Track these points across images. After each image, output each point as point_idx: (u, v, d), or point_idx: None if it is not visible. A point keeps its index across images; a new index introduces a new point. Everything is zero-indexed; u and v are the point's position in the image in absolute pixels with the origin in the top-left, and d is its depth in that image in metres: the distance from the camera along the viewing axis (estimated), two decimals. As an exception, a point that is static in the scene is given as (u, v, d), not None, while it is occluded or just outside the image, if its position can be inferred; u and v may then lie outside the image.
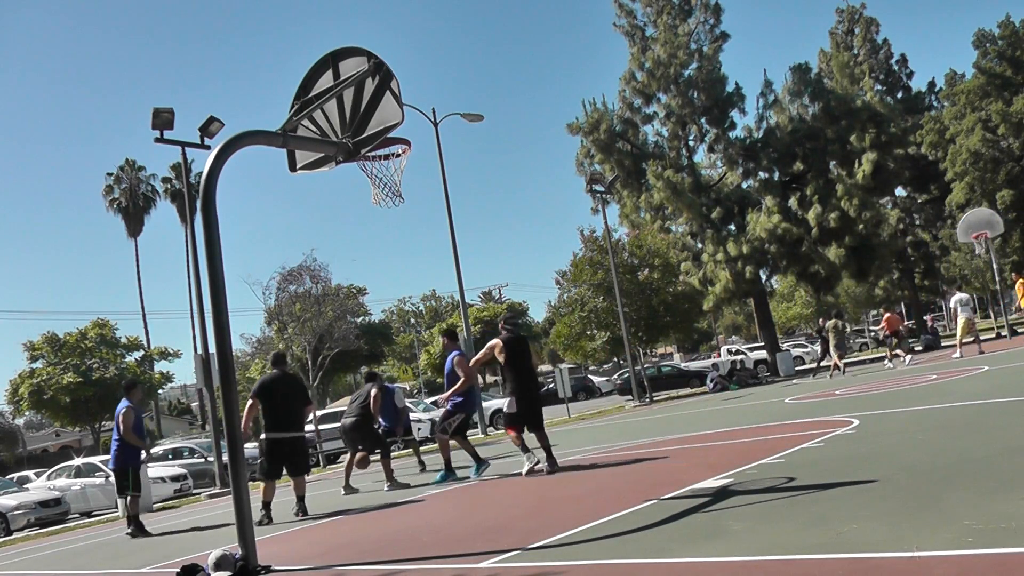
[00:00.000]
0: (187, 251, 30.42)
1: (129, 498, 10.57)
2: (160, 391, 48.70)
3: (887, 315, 21.93)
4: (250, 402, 8.89)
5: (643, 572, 4.00)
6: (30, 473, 25.62)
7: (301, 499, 9.02)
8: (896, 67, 44.81)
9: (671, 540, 4.53)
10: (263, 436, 8.90)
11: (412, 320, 78.62)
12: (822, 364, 23.63)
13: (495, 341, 9.10)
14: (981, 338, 20.66)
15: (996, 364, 14.27)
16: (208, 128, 17.31)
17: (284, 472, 9.15)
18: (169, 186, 52.38)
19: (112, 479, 17.94)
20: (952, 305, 19.90)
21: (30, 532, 16.90)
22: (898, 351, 20.88)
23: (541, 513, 6.33)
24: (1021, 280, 20.50)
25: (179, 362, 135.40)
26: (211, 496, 17.37)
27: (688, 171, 30.16)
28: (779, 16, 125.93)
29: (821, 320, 23.97)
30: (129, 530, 10.36)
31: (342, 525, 7.89)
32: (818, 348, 40.12)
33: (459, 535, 5.98)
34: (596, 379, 48.22)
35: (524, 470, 8.95)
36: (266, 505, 8.84)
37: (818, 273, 29.83)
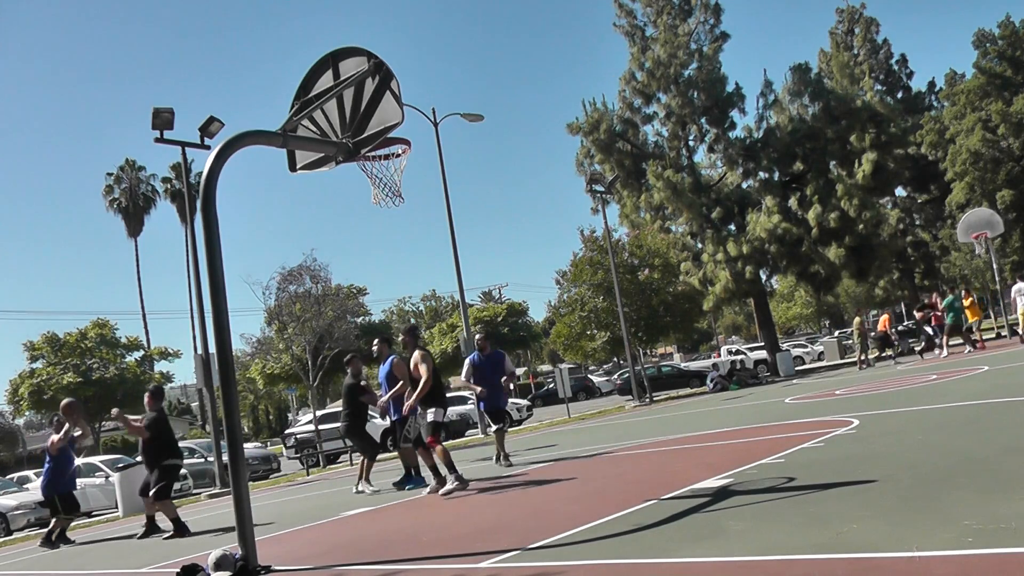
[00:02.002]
0: (187, 251, 30.44)
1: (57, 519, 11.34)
2: (160, 391, 48.59)
3: (885, 315, 22.42)
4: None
5: (643, 572, 4.00)
6: (30, 473, 25.58)
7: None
8: (896, 67, 44.79)
9: (671, 540, 4.53)
10: (170, 462, 9.83)
11: (412, 320, 78.63)
12: (883, 355, 23.58)
13: (422, 353, 8.79)
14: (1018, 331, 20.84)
15: (996, 364, 14.27)
16: (208, 128, 17.31)
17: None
18: (169, 186, 52.36)
19: (112, 479, 18.01)
20: (1012, 295, 20.19)
21: (30, 532, 16.90)
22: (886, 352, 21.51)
23: (541, 513, 6.33)
24: (966, 292, 21.08)
25: (179, 362, 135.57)
26: (211, 496, 17.37)
27: (688, 171, 30.16)
28: (779, 16, 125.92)
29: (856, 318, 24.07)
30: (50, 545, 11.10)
31: (342, 525, 7.89)
32: (820, 348, 40.36)
33: (459, 535, 5.98)
34: (596, 379, 48.23)
35: (451, 487, 8.49)
36: (174, 520, 9.47)
37: (818, 273, 29.83)
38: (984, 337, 22.34)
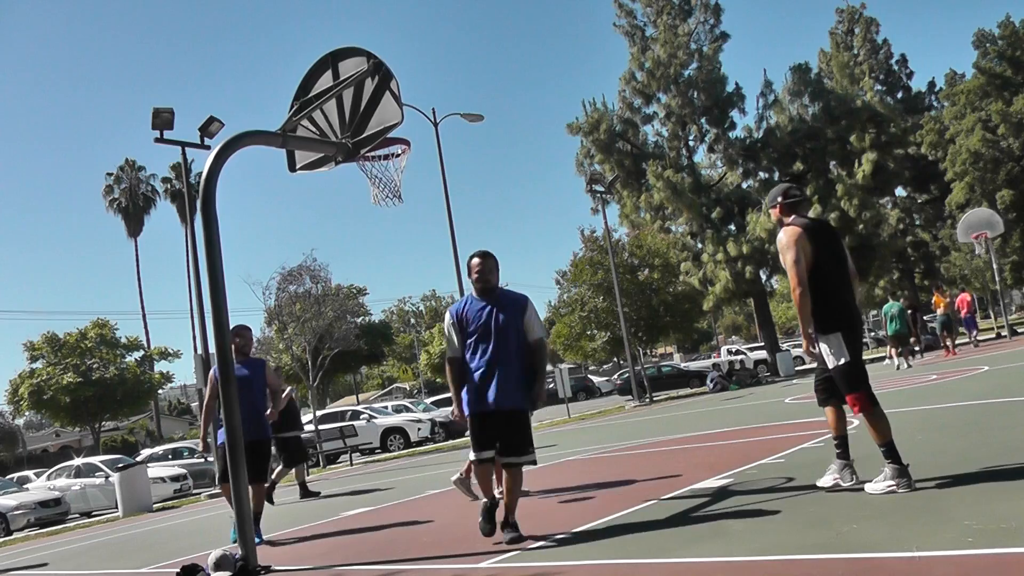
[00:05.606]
0: (187, 251, 30.38)
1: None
2: (160, 391, 48.66)
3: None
4: None
5: (643, 572, 4.00)
6: (30, 473, 25.61)
7: None
8: (896, 67, 44.81)
9: (671, 540, 4.54)
10: None
11: (412, 320, 78.65)
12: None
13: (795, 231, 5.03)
14: None
15: (996, 364, 14.26)
16: (208, 128, 17.28)
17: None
18: (169, 186, 52.34)
19: (112, 479, 18.02)
20: None
21: (30, 532, 16.90)
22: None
23: (541, 513, 6.33)
24: (940, 297, 20.47)
25: (179, 362, 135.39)
26: (211, 496, 17.36)
27: (688, 171, 30.15)
28: (779, 16, 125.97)
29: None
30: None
31: (342, 525, 7.89)
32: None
33: (459, 535, 5.98)
34: (596, 379, 48.19)
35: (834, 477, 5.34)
36: None
37: (818, 273, 29.79)
38: (983, 338, 22.22)
